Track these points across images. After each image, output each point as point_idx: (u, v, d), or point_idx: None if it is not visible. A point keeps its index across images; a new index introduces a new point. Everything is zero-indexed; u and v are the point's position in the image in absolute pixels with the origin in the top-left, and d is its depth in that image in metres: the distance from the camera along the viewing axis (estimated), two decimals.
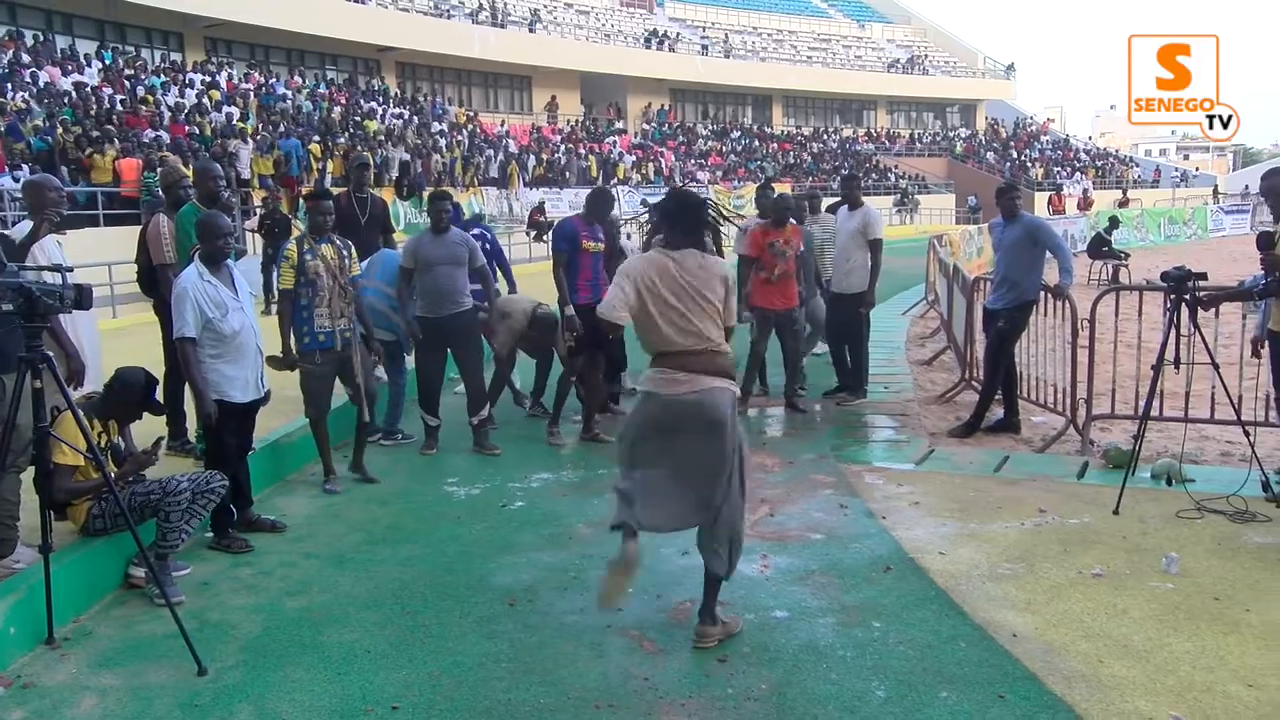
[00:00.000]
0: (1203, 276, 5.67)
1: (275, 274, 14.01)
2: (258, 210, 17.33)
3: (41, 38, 24.23)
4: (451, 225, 6.94)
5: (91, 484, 4.39)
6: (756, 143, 43.69)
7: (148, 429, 6.10)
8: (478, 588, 4.62)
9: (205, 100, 23.49)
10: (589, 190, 7.93)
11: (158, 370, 5.99)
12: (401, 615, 4.33)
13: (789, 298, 7.90)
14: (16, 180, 15.77)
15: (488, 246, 8.12)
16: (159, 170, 14.75)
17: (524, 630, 4.16)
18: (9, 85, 19.88)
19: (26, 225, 4.93)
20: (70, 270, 4.19)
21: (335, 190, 8.53)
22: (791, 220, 8.03)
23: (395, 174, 24.16)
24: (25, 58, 22.11)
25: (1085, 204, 38.57)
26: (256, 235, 15.94)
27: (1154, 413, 6.10)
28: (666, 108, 42.98)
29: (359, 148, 23.40)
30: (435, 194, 7.06)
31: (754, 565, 4.79)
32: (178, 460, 6.18)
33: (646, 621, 4.21)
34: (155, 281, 6.19)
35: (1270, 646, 3.85)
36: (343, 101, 28.54)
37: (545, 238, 21.06)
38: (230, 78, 26.48)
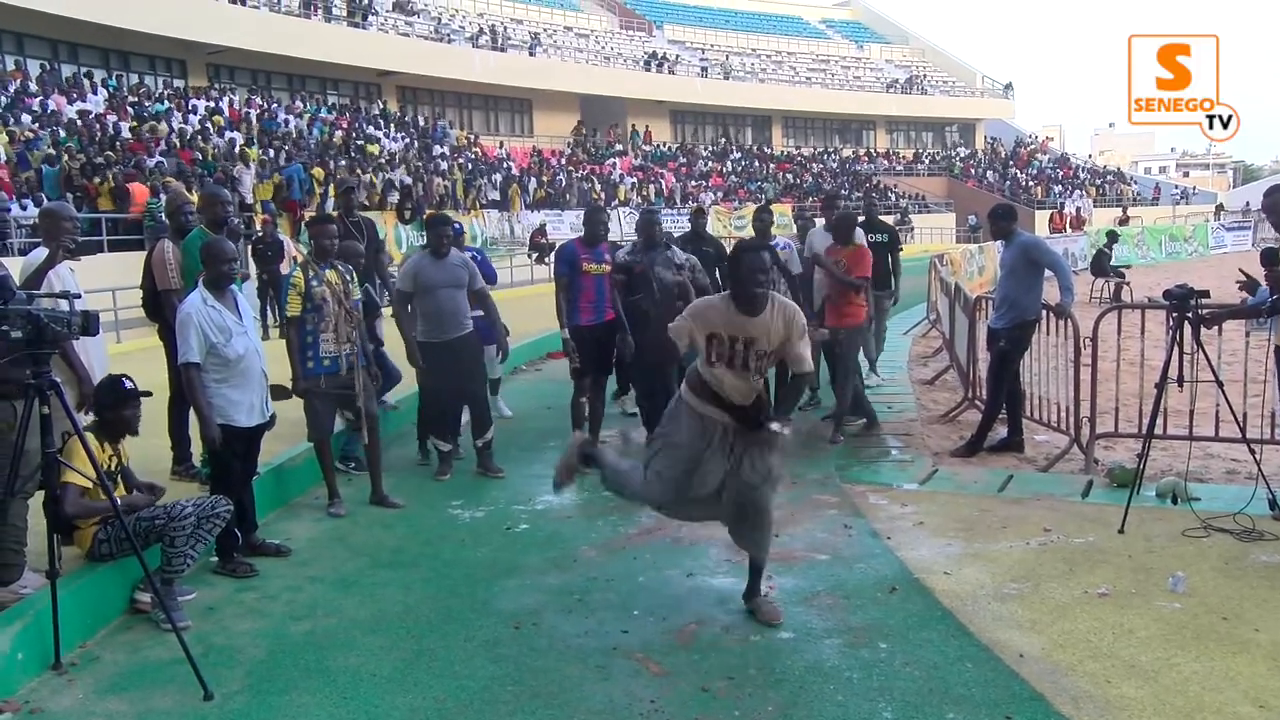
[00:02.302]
0: (1205, 294, 5.68)
1: (271, 298, 14.18)
2: (258, 233, 17.40)
3: (48, 67, 24.42)
4: (451, 248, 6.87)
5: (102, 505, 4.40)
6: (757, 163, 43.87)
7: (154, 453, 6.14)
8: (482, 611, 4.61)
9: (208, 126, 23.65)
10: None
11: (162, 395, 6.02)
12: (406, 639, 4.32)
13: (843, 316, 7.65)
14: (25, 209, 15.88)
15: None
16: (162, 196, 14.89)
17: (529, 653, 4.15)
18: (13, 115, 20.01)
19: (41, 252, 4.98)
20: (79, 297, 4.22)
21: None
22: (858, 240, 7.74)
23: (397, 197, 24.27)
24: (32, 87, 22.28)
25: (1077, 222, 38.55)
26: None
27: (1158, 431, 6.09)
28: (635, 128, 42.56)
29: (358, 171, 23.52)
30: (435, 218, 7.00)
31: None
32: (183, 485, 6.18)
33: (652, 644, 4.21)
34: (160, 307, 6.21)
35: None
36: (344, 126, 28.71)
37: (547, 260, 21.12)
38: (233, 103, 26.67)
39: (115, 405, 4.68)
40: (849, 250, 7.66)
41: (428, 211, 24.16)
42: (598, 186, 32.64)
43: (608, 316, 7.01)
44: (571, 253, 6.96)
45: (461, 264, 6.83)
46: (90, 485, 4.34)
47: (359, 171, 23.65)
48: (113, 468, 4.58)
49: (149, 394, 4.88)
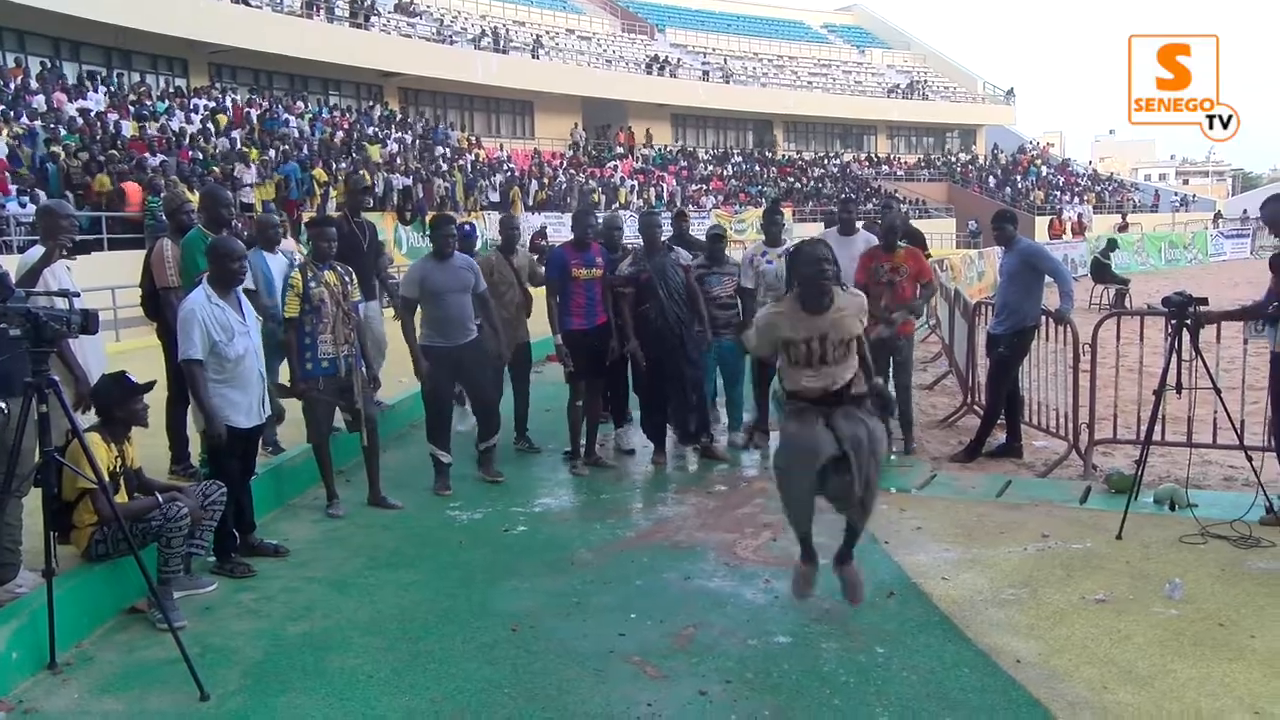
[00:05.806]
0: (1204, 301, 5.69)
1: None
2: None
3: (49, 64, 24.43)
4: (455, 250, 6.68)
5: (142, 504, 4.47)
6: (757, 167, 43.89)
7: (152, 453, 6.12)
8: (480, 613, 4.61)
9: (210, 125, 23.65)
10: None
11: (161, 394, 6.01)
12: (403, 640, 4.32)
13: (900, 323, 7.28)
14: (23, 205, 15.87)
15: None
16: (162, 195, 14.88)
17: (526, 656, 4.14)
18: (14, 112, 19.98)
19: (38, 250, 4.97)
20: (78, 296, 4.22)
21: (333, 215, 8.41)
22: (903, 244, 7.29)
23: (397, 199, 24.26)
24: (33, 84, 22.26)
25: (1079, 228, 38.47)
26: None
27: (1156, 437, 6.09)
28: (604, 127, 42.17)
29: (361, 171, 23.50)
30: (439, 218, 6.83)
31: (757, 589, 4.79)
32: (182, 484, 6.16)
33: (649, 647, 4.20)
34: (159, 305, 6.21)
35: (1276, 673, 3.84)
36: (345, 127, 28.70)
37: None
38: (236, 102, 26.68)
39: (123, 401, 4.65)
40: (899, 255, 7.20)
41: (430, 213, 24.23)
42: (599, 190, 32.61)
43: (599, 321, 6.95)
44: (561, 258, 6.91)
45: (466, 266, 6.67)
46: (92, 487, 4.33)
47: (361, 171, 23.63)
48: (116, 469, 4.55)
49: (154, 384, 4.86)
